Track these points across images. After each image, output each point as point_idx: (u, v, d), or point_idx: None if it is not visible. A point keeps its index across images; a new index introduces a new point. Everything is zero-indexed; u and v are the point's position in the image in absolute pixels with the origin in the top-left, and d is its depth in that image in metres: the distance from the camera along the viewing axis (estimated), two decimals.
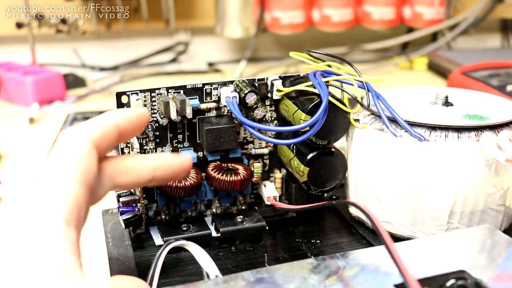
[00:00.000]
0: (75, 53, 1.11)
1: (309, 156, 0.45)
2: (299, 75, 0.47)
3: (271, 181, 0.50)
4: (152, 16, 1.12)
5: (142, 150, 0.46)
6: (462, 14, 1.14)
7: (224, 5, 1.11)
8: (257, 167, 0.48)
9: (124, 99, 0.44)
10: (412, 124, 0.41)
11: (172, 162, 0.38)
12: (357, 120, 0.45)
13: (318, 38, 1.21)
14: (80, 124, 0.33)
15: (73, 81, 1.05)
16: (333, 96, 0.43)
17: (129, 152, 0.45)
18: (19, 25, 1.01)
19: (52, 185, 0.29)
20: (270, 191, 0.49)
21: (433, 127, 0.41)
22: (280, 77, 0.47)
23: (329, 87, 0.44)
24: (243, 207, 0.50)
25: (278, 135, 0.48)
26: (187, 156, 0.40)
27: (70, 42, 1.13)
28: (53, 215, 0.28)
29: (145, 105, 0.44)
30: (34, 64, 1.02)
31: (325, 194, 0.49)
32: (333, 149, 0.46)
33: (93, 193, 0.32)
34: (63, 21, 1.03)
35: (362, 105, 0.44)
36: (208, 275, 0.37)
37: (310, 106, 0.43)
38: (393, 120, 0.42)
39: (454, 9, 1.17)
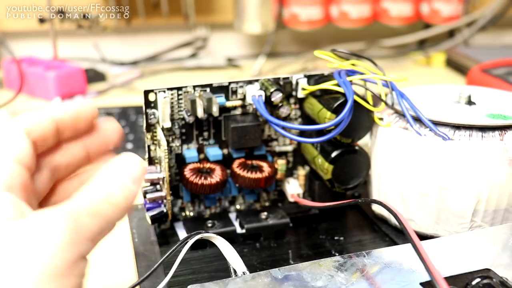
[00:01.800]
0: (95, 48, 1.12)
1: (334, 154, 0.45)
2: (323, 73, 0.48)
3: (295, 178, 0.51)
4: (172, 12, 1.13)
5: (168, 147, 0.46)
6: (479, 10, 1.14)
7: (243, 1, 1.12)
8: (281, 164, 0.49)
9: (151, 97, 0.45)
10: (436, 123, 0.42)
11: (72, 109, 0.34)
12: (381, 119, 0.45)
13: (336, 34, 1.21)
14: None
15: (93, 76, 1.06)
16: (358, 95, 0.44)
17: (155, 149, 0.46)
18: (42, 21, 1.02)
19: None
20: (293, 188, 0.50)
21: (457, 127, 0.41)
22: (305, 76, 0.47)
23: (354, 85, 0.45)
24: (267, 204, 0.51)
25: (303, 133, 0.48)
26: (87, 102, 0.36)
27: (91, 37, 1.14)
28: None
29: (172, 103, 0.45)
30: (56, 59, 1.03)
31: (348, 192, 0.50)
32: (357, 147, 0.46)
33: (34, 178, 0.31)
34: (85, 16, 1.04)
35: (386, 103, 0.45)
36: (235, 272, 0.37)
37: (335, 105, 0.43)
38: (417, 119, 0.43)
39: (471, 5, 1.17)
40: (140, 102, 0.45)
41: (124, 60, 1.15)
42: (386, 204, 0.35)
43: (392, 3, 1.13)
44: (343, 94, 0.44)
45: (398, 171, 0.44)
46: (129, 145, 0.72)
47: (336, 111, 0.43)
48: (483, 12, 1.13)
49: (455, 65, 1.09)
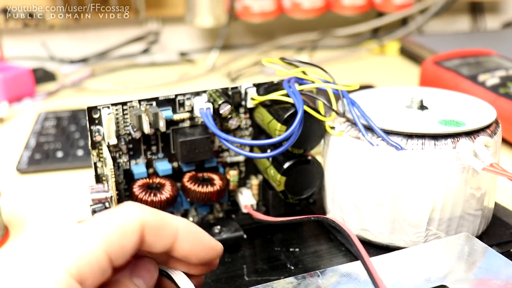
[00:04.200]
0: (43, 46, 1.09)
1: (286, 166, 0.44)
2: (273, 82, 0.46)
3: (248, 187, 0.50)
4: (122, 6, 1.10)
5: (116, 164, 0.45)
6: None
7: None
8: (233, 175, 0.48)
9: (95, 114, 0.43)
10: (388, 132, 0.41)
11: None
12: (333, 128, 0.45)
13: (289, 25, 1.20)
14: (57, 248, 0.27)
15: (42, 76, 1.02)
16: (308, 105, 0.43)
17: (101, 167, 0.44)
18: None
19: None
20: (247, 199, 0.48)
21: (410, 135, 0.41)
22: (254, 85, 0.46)
23: (303, 95, 0.44)
24: (221, 215, 0.49)
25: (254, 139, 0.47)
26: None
27: (38, 35, 1.10)
28: None
29: (117, 119, 0.43)
30: (2, 59, 1.00)
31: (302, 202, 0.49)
32: (309, 157, 0.45)
33: None
34: (30, 15, 1.01)
35: (337, 113, 0.44)
36: None
37: (285, 116, 0.42)
38: (369, 128, 0.42)
39: None
40: (91, 104, 0.43)
41: (74, 58, 1.12)
42: (336, 221, 0.35)
43: None
44: (293, 104, 0.42)
45: (352, 181, 0.43)
46: (80, 152, 0.69)
47: (287, 122, 0.42)
48: None
49: (409, 54, 1.09)
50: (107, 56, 1.13)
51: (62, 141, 0.73)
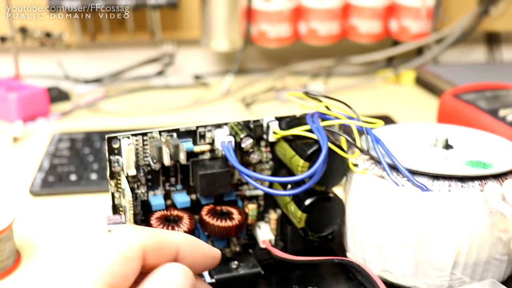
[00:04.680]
0: (59, 66, 1.09)
1: (307, 203, 0.43)
2: (295, 115, 0.46)
3: (266, 222, 0.49)
4: (138, 28, 1.10)
5: (133, 194, 0.44)
6: (448, 27, 1.14)
7: (210, 17, 1.10)
8: (252, 209, 0.47)
9: (115, 144, 0.42)
10: (414, 173, 0.40)
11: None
12: (356, 165, 0.44)
13: (305, 51, 1.20)
14: (141, 227, 0.31)
15: (57, 95, 1.02)
16: (332, 141, 0.42)
17: (119, 197, 0.44)
18: (3, 39, 0.98)
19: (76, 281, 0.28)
20: (265, 234, 0.47)
21: (436, 176, 0.40)
22: (276, 118, 0.45)
23: (327, 130, 0.43)
24: (237, 249, 0.48)
25: (273, 174, 0.46)
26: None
27: (54, 54, 1.10)
28: None
29: (136, 149, 0.43)
30: (18, 78, 1.00)
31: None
32: (331, 194, 0.44)
33: None
34: (48, 34, 1.01)
35: (361, 150, 0.43)
36: None
37: (309, 153, 0.42)
38: (394, 167, 0.41)
39: (440, 22, 1.16)
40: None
41: (89, 78, 1.12)
42: (358, 263, 0.34)
43: (361, 20, 1.12)
44: (316, 140, 0.42)
45: (374, 220, 0.42)
46: (94, 176, 0.69)
47: (310, 159, 0.41)
48: (452, 29, 1.13)
49: (425, 84, 1.08)
50: (122, 77, 1.13)
51: (76, 164, 0.72)
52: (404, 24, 1.13)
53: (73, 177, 0.69)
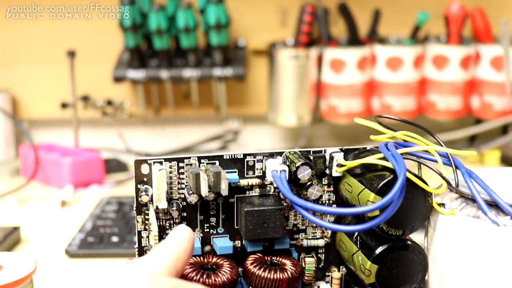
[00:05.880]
0: (120, 137, 1.05)
1: (378, 251, 0.35)
2: (366, 148, 0.38)
3: (327, 282, 0.40)
4: (203, 102, 1.07)
5: (164, 234, 0.36)
6: None
7: (278, 92, 1.05)
8: (309, 262, 0.38)
9: (144, 169, 0.35)
10: None
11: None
12: (442, 205, 0.35)
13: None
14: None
15: (116, 166, 0.99)
16: (411, 172, 0.34)
17: (147, 236, 0.36)
18: (64, 105, 0.96)
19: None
20: None
21: None
22: (341, 150, 0.37)
23: (406, 160, 0.34)
24: None
25: (338, 221, 0.38)
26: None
27: (116, 126, 1.08)
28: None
29: (170, 178, 0.36)
30: (77, 147, 0.97)
31: None
32: (409, 242, 0.35)
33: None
34: (109, 102, 0.99)
35: (449, 184, 0.34)
36: None
37: (381, 184, 0.33)
38: (492, 205, 0.32)
39: None
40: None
41: (151, 152, 1.08)
42: None
43: (439, 96, 1.05)
44: (392, 171, 0.33)
45: (467, 274, 0.32)
46: None
47: (383, 193, 0.33)
48: None
49: None
50: (185, 152, 1.08)
51: (120, 226, 0.65)
52: (487, 101, 1.04)
53: (114, 239, 0.62)
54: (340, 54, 0.99)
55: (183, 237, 0.32)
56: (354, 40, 1.01)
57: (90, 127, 1.08)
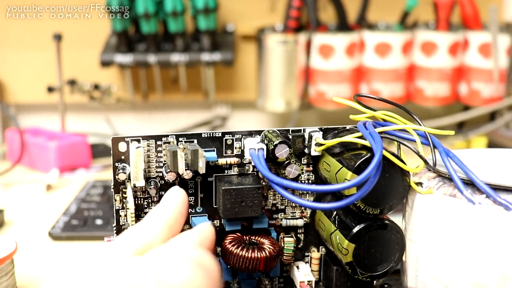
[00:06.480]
0: (107, 122, 1.05)
1: (356, 229, 0.35)
2: (345, 127, 0.38)
3: (306, 262, 0.40)
4: (191, 88, 1.06)
5: (142, 213, 0.36)
6: None
7: (267, 78, 1.04)
8: (288, 242, 0.38)
9: (122, 147, 0.35)
10: (496, 188, 0.31)
11: None
12: (419, 184, 0.35)
13: None
14: None
15: (103, 151, 0.98)
16: (389, 151, 0.34)
17: (125, 215, 0.36)
18: (50, 89, 0.95)
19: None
20: (304, 275, 0.38)
21: None
22: (320, 129, 0.37)
23: (383, 139, 0.34)
24: None
25: (317, 201, 0.38)
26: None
27: (103, 111, 1.07)
28: None
29: (148, 156, 0.35)
30: (63, 132, 0.96)
31: (375, 281, 0.38)
32: (386, 221, 0.35)
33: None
34: (96, 86, 0.98)
35: (426, 163, 0.34)
36: None
37: (358, 162, 0.33)
38: (469, 183, 0.32)
39: None
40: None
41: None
42: None
43: (427, 82, 1.04)
44: (370, 150, 0.33)
45: (443, 253, 0.33)
46: None
47: (360, 171, 0.33)
48: None
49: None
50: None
51: (104, 210, 0.65)
52: (474, 88, 1.04)
53: (98, 222, 0.62)
54: (329, 40, 0.99)
55: (177, 200, 0.32)
56: (343, 25, 1.00)
57: (77, 112, 1.08)
